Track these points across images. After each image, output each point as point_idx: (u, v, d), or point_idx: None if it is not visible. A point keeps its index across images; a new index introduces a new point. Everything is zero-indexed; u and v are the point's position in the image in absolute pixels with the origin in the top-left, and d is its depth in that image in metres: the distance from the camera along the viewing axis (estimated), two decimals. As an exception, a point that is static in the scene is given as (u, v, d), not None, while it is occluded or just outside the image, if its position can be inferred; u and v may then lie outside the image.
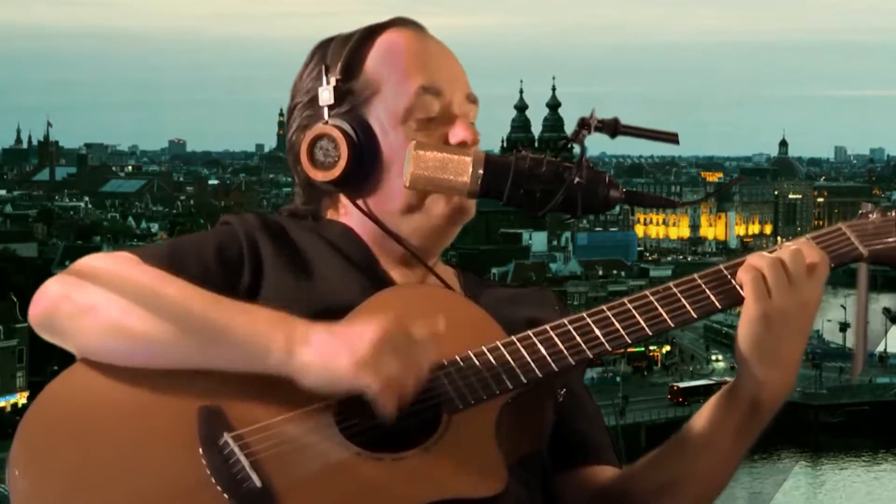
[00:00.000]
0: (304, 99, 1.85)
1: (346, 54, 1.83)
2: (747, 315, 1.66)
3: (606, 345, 1.66)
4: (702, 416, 1.72)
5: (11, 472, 1.55)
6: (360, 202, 1.82)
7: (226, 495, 1.51)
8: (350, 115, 1.81)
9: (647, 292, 1.69)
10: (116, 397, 1.61)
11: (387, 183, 1.80)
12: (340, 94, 1.81)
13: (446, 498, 1.54)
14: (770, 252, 1.70)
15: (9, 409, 60.92)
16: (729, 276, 1.70)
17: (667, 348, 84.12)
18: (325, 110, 1.82)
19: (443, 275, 1.85)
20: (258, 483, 1.52)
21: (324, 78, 1.82)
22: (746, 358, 1.67)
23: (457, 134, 1.80)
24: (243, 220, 1.80)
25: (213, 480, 1.52)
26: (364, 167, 1.79)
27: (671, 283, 1.71)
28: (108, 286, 1.62)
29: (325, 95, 1.82)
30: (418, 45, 1.84)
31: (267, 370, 1.57)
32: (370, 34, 1.85)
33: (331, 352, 1.55)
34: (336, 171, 1.79)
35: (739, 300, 1.68)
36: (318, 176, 1.80)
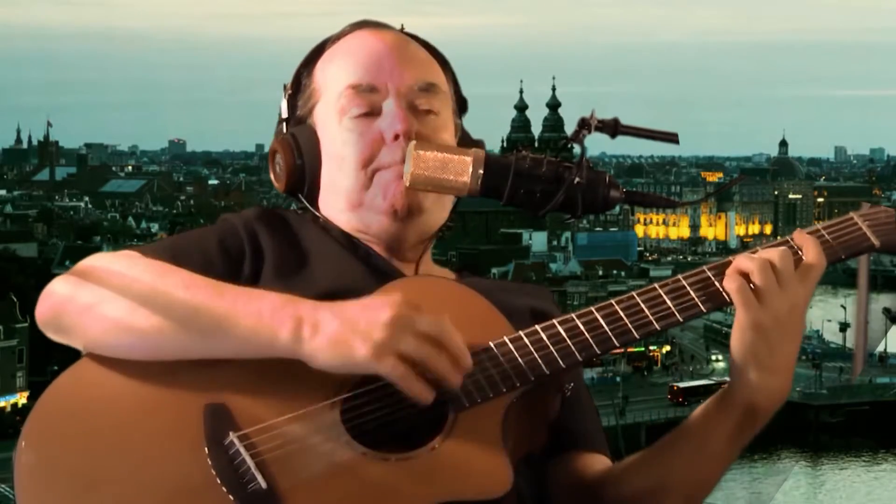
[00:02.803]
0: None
1: (297, 68, 1.91)
2: (739, 323, 1.65)
3: (614, 339, 1.65)
4: (695, 420, 1.71)
5: (18, 471, 1.55)
6: (321, 202, 1.86)
7: (231, 496, 1.51)
8: (298, 125, 1.87)
9: (656, 285, 1.69)
10: (123, 393, 1.61)
11: (333, 181, 1.84)
12: (293, 106, 1.89)
13: (452, 500, 1.54)
14: (765, 249, 1.68)
15: (9, 409, 60.88)
16: (714, 280, 1.68)
17: (667, 348, 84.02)
18: (283, 124, 1.89)
19: (436, 273, 1.86)
20: (263, 484, 1.52)
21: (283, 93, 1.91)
22: (741, 365, 1.65)
23: (389, 127, 1.80)
24: (241, 215, 1.83)
25: (219, 481, 1.52)
26: (310, 173, 1.84)
27: (680, 276, 1.70)
28: (111, 281, 1.63)
29: (281, 109, 1.91)
30: (356, 46, 1.87)
31: (275, 355, 1.57)
32: (323, 45, 1.91)
33: (342, 336, 1.54)
34: (283, 182, 1.87)
35: (725, 303, 1.67)
36: (277, 186, 1.89)
